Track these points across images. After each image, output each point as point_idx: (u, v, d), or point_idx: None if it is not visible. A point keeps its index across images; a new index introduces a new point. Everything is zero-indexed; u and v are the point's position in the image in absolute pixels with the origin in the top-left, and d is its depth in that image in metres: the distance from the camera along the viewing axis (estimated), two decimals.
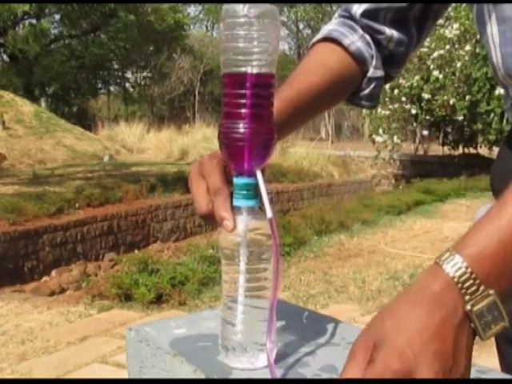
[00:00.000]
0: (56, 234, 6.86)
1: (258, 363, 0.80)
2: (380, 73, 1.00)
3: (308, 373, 0.79)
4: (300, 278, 5.29)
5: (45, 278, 6.37)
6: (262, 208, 0.78)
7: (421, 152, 15.98)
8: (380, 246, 6.68)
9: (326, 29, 1.02)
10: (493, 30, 0.86)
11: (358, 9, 0.99)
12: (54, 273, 6.48)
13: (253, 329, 0.79)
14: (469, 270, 0.57)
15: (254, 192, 0.77)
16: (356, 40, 0.99)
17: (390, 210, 8.75)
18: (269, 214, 0.76)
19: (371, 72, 0.99)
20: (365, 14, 0.99)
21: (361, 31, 0.99)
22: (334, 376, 0.78)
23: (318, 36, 1.02)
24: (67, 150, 13.58)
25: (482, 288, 0.57)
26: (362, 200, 9.44)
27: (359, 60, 0.99)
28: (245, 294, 0.77)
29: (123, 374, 3.20)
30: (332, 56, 0.99)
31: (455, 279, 0.57)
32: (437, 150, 16.00)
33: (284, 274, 5.34)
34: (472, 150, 14.90)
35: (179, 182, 9.30)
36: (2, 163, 11.17)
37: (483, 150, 14.53)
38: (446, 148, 15.37)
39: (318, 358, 0.84)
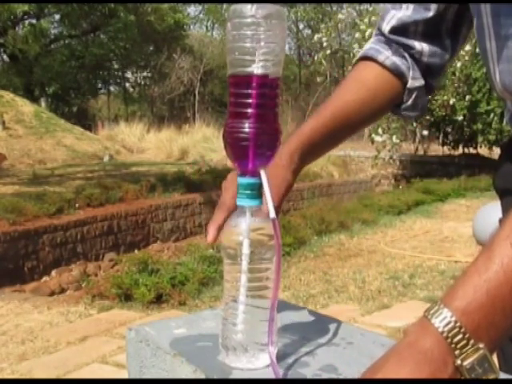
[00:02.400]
0: (56, 233, 6.86)
1: (258, 363, 0.80)
2: (419, 82, 1.02)
3: (308, 373, 0.79)
4: (300, 277, 5.29)
5: (45, 278, 6.37)
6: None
7: (421, 152, 15.98)
8: (380, 246, 6.68)
9: (364, 49, 1.05)
10: (491, 45, 0.86)
11: (386, 26, 1.02)
12: (54, 273, 6.48)
13: (254, 329, 0.79)
14: (458, 324, 0.56)
15: (257, 192, 0.78)
16: (390, 55, 1.01)
17: (389, 210, 8.76)
18: (272, 214, 0.77)
19: (410, 83, 1.01)
20: (393, 31, 1.01)
21: (395, 46, 1.01)
22: (334, 376, 0.78)
23: (357, 57, 1.06)
24: (67, 149, 13.58)
25: (471, 342, 0.56)
26: (361, 200, 9.44)
27: (396, 73, 1.01)
28: (246, 294, 0.77)
29: (123, 374, 3.20)
30: (368, 73, 1.02)
31: (444, 334, 0.56)
32: (437, 149, 16.00)
33: (284, 273, 5.34)
34: (472, 150, 14.90)
35: (179, 182, 9.30)
36: (2, 163, 11.17)
37: (483, 150, 14.53)
38: (445, 148, 15.37)
39: (318, 358, 0.84)
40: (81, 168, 11.68)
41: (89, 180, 9.36)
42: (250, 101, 0.76)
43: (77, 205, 7.54)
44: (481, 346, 0.56)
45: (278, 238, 0.77)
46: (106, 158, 13.65)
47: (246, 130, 0.76)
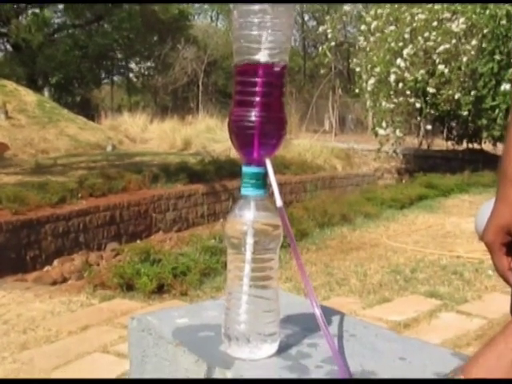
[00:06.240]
0: (58, 223, 6.86)
1: (260, 353, 0.80)
2: None
3: (310, 364, 0.78)
4: None
5: (47, 268, 6.38)
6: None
7: (424, 146, 15.94)
8: (382, 240, 6.67)
9: None
10: None
11: None
12: (56, 262, 6.49)
13: (257, 319, 0.78)
14: None
15: (262, 181, 0.77)
16: None
17: (392, 204, 8.74)
18: (279, 202, 0.76)
19: None
20: None
21: None
22: (335, 367, 0.77)
23: None
24: (70, 139, 13.57)
25: None
26: (364, 193, 9.42)
27: None
28: (250, 284, 0.77)
29: (124, 364, 3.21)
30: None
31: None
32: (440, 144, 15.95)
33: (286, 265, 5.33)
34: (476, 146, 14.85)
35: (182, 172, 9.30)
36: (4, 153, 11.17)
37: (487, 146, 14.48)
38: (449, 143, 15.32)
39: (321, 350, 0.83)
40: (83, 158, 11.67)
41: (91, 170, 9.35)
42: (255, 89, 0.76)
43: (79, 195, 7.54)
44: None
45: (287, 225, 0.76)
46: (109, 148, 13.64)
47: (252, 118, 0.75)
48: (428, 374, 0.77)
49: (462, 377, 0.52)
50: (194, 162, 10.42)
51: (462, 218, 7.82)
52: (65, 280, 5.78)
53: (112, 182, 8.19)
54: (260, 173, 0.77)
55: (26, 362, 3.51)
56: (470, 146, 14.95)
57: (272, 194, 0.79)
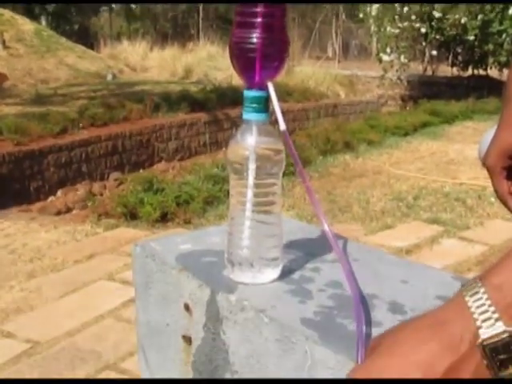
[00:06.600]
0: (61, 153, 6.85)
1: (263, 278, 0.80)
2: None
3: (313, 288, 0.79)
4: (304, 197, 5.30)
5: (51, 198, 6.41)
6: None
7: (429, 73, 15.71)
8: (385, 167, 6.67)
9: None
10: None
11: None
12: (59, 193, 6.52)
13: (259, 244, 0.78)
14: (488, 301, 0.51)
15: (264, 105, 0.76)
16: None
17: (396, 131, 8.70)
18: (282, 126, 0.75)
19: None
20: None
21: None
22: (339, 291, 0.78)
23: None
24: (69, 69, 13.37)
25: (499, 320, 0.50)
26: (368, 120, 9.35)
27: None
28: (252, 209, 0.76)
29: (130, 291, 3.27)
30: None
31: (475, 315, 0.51)
32: (446, 70, 15.71)
33: (288, 193, 5.36)
34: (482, 72, 14.62)
35: (184, 100, 9.20)
36: (3, 83, 11.03)
37: (493, 72, 14.27)
38: (455, 69, 15.08)
39: (323, 274, 0.84)
40: (84, 87, 11.53)
41: (92, 99, 9.25)
42: (257, 9, 0.73)
43: (80, 124, 7.49)
44: (508, 328, 0.50)
45: (292, 149, 0.75)
46: (109, 77, 13.46)
47: (253, 40, 0.73)
48: (430, 297, 0.77)
49: (480, 284, 0.52)
50: (195, 91, 10.30)
51: (465, 144, 7.79)
52: (69, 210, 5.82)
53: (113, 111, 8.13)
54: (262, 96, 0.76)
55: (34, 290, 3.58)
56: (476, 72, 14.73)
57: (275, 121, 0.77)
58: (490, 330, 0.50)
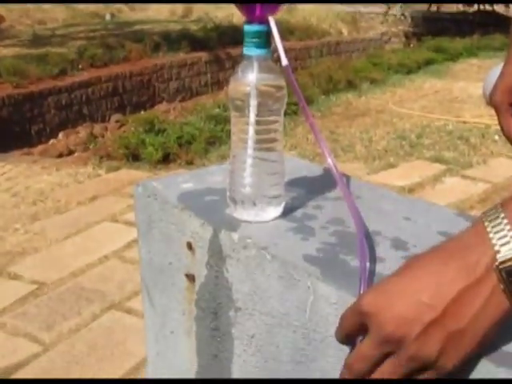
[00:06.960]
0: (61, 95, 6.80)
1: (266, 216, 0.80)
2: None
3: (316, 225, 0.79)
4: (307, 136, 5.27)
5: (52, 141, 6.39)
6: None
7: (434, 8, 15.36)
8: (388, 106, 6.60)
9: None
10: None
11: None
12: (60, 135, 6.49)
13: (262, 182, 0.78)
14: (505, 221, 0.50)
15: (265, 40, 0.74)
16: None
17: (399, 69, 8.57)
18: (284, 61, 0.73)
19: None
20: None
21: None
22: (341, 229, 0.77)
23: None
24: (67, 8, 13.12)
25: None
26: (371, 58, 9.20)
27: None
28: (254, 147, 0.75)
29: (133, 232, 3.29)
30: None
31: (493, 240, 0.50)
32: (450, 6, 15.36)
33: (291, 132, 5.33)
34: (488, 7, 14.30)
35: (184, 39, 9.05)
36: (0, 24, 10.84)
37: (499, 8, 13.95)
38: (460, 5, 14.75)
39: (326, 211, 0.83)
40: (82, 28, 11.34)
41: (91, 40, 9.11)
42: None
43: (80, 66, 7.40)
44: None
45: (295, 85, 0.74)
46: (108, 17, 13.23)
47: None
48: (433, 234, 0.77)
49: (500, 209, 0.52)
50: (195, 29, 10.12)
51: (469, 82, 7.69)
52: (70, 152, 5.80)
53: (112, 51, 8.01)
54: (263, 31, 0.74)
55: (38, 232, 3.60)
56: (482, 7, 14.40)
57: (278, 59, 0.75)
58: (509, 253, 0.50)
